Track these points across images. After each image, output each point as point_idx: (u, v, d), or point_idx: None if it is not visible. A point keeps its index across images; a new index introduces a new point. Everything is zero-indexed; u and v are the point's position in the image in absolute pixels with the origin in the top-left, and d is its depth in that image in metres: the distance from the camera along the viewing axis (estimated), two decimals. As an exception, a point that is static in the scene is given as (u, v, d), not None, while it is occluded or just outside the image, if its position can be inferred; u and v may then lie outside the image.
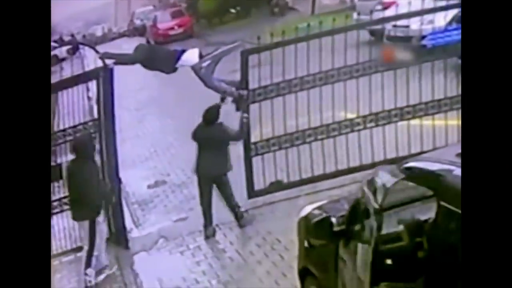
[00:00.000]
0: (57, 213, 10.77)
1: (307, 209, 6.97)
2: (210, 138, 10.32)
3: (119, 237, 10.98)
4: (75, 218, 9.98)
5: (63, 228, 10.95)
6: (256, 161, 11.07)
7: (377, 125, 11.14)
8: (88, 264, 9.92)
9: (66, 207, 10.61)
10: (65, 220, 10.74)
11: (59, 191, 11.05)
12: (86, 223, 9.77)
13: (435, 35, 11.73)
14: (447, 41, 12.21)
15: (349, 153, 11.07)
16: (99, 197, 9.76)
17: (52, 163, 10.36)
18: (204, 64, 10.41)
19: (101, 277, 10.08)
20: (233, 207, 10.49)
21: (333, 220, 6.06)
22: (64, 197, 10.70)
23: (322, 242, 6.23)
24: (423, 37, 13.18)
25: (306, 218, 6.73)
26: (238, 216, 10.52)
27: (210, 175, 10.39)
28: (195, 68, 10.37)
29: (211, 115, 10.38)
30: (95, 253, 9.92)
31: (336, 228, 6.03)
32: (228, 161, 10.43)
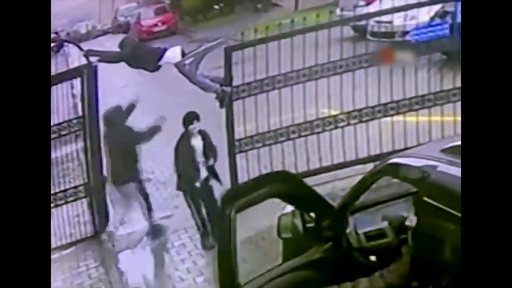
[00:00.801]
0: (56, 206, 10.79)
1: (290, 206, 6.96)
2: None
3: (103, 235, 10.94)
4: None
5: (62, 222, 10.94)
6: (240, 158, 11.04)
7: (360, 122, 11.12)
8: None
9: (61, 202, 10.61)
10: (54, 218, 10.70)
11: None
12: None
13: (419, 30, 11.71)
14: (431, 36, 12.20)
15: (333, 150, 11.05)
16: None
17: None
18: (188, 61, 10.39)
19: None
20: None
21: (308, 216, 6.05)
22: (61, 191, 10.70)
23: (298, 238, 6.21)
24: (406, 32, 13.18)
25: (287, 214, 6.70)
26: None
27: None
28: (178, 65, 10.34)
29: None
30: None
31: (308, 224, 6.02)
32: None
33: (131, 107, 10.76)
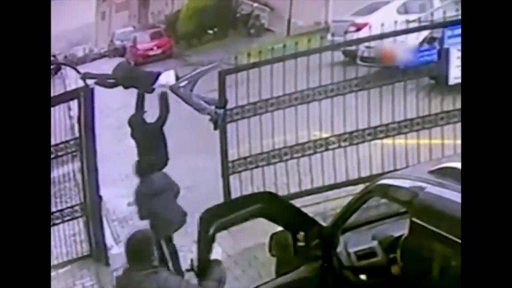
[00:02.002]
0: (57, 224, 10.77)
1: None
2: None
3: (99, 254, 10.91)
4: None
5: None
6: (233, 178, 11.04)
7: (351, 144, 11.14)
8: None
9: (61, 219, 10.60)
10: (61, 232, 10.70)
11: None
12: None
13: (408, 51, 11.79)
14: (419, 61, 12.27)
15: (324, 171, 11.07)
16: None
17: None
18: (182, 84, 10.42)
19: None
20: None
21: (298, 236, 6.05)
22: (64, 209, 10.71)
23: (288, 257, 6.21)
24: (395, 58, 13.25)
25: (279, 233, 6.71)
26: None
27: None
28: (173, 88, 10.36)
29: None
30: None
31: (299, 244, 6.03)
32: None
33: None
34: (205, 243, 5.48)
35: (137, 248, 5.87)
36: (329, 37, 22.15)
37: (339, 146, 11.13)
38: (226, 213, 5.60)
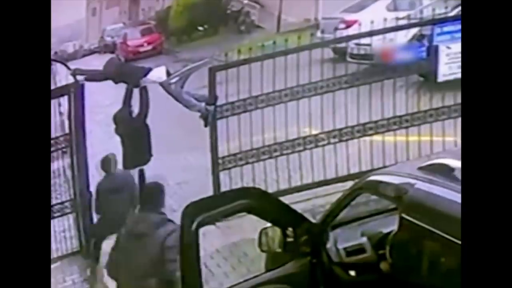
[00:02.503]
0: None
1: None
2: None
3: (89, 250, 10.88)
4: None
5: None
6: (223, 175, 11.02)
7: (340, 141, 11.14)
8: None
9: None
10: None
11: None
12: None
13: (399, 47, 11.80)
14: (408, 59, 12.28)
15: (314, 168, 11.06)
16: None
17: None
18: (173, 80, 10.39)
19: None
20: None
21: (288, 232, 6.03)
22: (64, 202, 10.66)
23: (278, 252, 6.18)
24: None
25: (269, 228, 6.69)
26: None
27: None
28: (164, 84, 10.33)
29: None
30: None
31: (288, 239, 6.00)
32: None
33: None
34: (187, 238, 5.41)
35: (149, 196, 7.00)
36: (318, 34, 22.12)
37: (329, 143, 11.13)
38: (211, 208, 5.55)
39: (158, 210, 6.84)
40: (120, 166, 10.22)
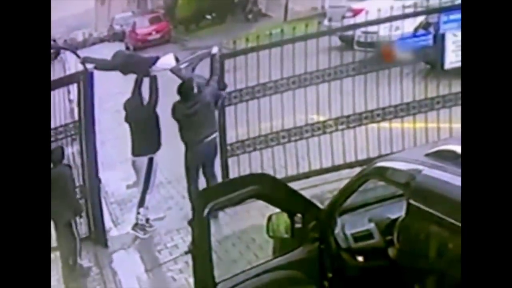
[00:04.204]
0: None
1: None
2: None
3: (98, 236, 10.90)
4: None
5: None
6: (231, 161, 11.01)
7: (348, 127, 11.13)
8: (141, 203, 10.56)
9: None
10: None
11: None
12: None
13: (403, 41, 11.72)
14: (415, 46, 12.21)
15: (322, 154, 11.05)
16: None
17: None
18: (183, 66, 10.42)
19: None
20: None
21: (296, 218, 6.02)
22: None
23: (286, 238, 6.17)
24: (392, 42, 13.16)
25: (277, 214, 6.68)
26: None
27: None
28: (174, 70, 10.37)
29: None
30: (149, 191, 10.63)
31: (297, 225, 5.99)
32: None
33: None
34: (199, 224, 5.44)
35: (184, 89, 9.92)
36: (325, 22, 22.02)
37: (336, 130, 11.12)
38: (221, 194, 5.57)
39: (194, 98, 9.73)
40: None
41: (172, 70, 10.39)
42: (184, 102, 10.28)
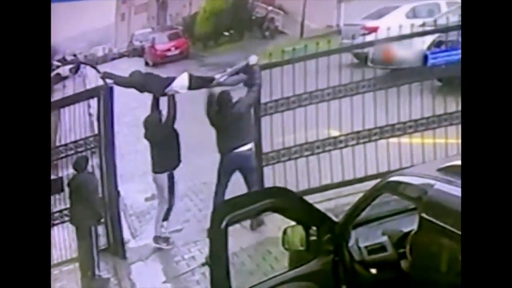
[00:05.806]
0: (57, 224, 10.68)
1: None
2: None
3: (117, 248, 10.90)
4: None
5: (63, 239, 10.85)
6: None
7: (358, 143, 11.15)
8: (166, 217, 10.69)
9: (66, 218, 10.56)
10: (65, 231, 10.66)
11: (60, 202, 10.97)
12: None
13: (421, 57, 11.75)
14: (427, 64, 12.21)
15: (332, 169, 11.05)
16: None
17: (54, 176, 10.40)
18: (221, 79, 10.46)
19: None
20: None
21: (311, 230, 6.02)
22: (65, 209, 10.63)
23: (301, 251, 6.17)
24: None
25: (292, 227, 6.68)
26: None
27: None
28: (214, 83, 10.41)
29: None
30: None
31: (312, 238, 5.99)
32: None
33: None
34: (217, 236, 5.45)
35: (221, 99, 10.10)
36: (340, 39, 22.01)
37: (347, 145, 11.15)
38: (239, 207, 5.57)
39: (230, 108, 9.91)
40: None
41: (218, 83, 10.46)
42: (220, 112, 10.31)
